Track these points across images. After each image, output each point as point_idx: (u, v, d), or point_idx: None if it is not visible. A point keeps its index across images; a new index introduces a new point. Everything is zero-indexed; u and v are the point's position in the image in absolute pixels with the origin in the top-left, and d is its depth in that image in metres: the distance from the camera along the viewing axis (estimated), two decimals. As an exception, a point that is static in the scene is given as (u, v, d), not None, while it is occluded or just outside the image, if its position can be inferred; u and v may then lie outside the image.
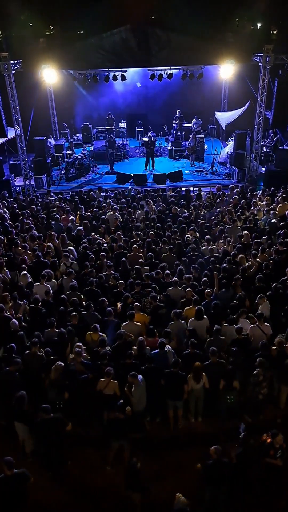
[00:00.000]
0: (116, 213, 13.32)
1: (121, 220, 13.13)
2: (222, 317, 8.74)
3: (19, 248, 11.17)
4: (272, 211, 13.13)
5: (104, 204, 14.23)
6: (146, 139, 19.16)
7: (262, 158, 19.43)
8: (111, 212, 13.36)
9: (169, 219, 12.99)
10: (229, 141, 20.68)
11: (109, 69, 18.17)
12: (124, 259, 10.62)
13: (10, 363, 7.54)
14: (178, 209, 13.63)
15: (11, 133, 18.16)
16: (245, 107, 18.33)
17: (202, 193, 15.33)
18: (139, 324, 8.56)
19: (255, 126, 18.17)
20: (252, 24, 18.66)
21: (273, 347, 8.02)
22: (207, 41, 16.67)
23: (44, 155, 18.61)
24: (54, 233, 11.85)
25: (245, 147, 18.92)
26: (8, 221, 13.00)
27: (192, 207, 13.74)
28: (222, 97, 22.29)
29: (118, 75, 18.38)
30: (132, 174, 18.60)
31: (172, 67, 18.35)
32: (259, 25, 19.11)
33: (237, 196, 14.60)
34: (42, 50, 16.85)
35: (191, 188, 16.54)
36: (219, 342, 8.16)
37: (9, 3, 17.42)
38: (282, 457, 6.44)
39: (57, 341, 8.13)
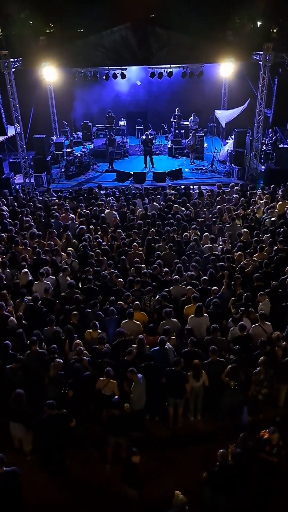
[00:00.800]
0: (113, 211, 13.29)
1: (118, 219, 13.13)
2: (221, 316, 8.72)
3: (19, 246, 11.18)
4: (271, 209, 13.11)
5: (101, 202, 14.12)
6: (144, 137, 19.17)
7: (262, 156, 19.41)
8: (109, 210, 13.35)
9: (170, 216, 13.00)
10: (229, 139, 20.69)
11: (109, 67, 18.17)
12: (123, 257, 10.63)
13: (12, 361, 7.51)
14: (179, 207, 13.61)
15: (11, 131, 18.15)
16: (245, 105, 18.30)
17: (202, 191, 15.34)
18: (138, 323, 8.56)
19: (255, 124, 18.17)
20: (252, 22, 18.74)
21: (276, 348, 7.95)
22: (207, 40, 16.68)
23: (44, 153, 18.61)
24: (54, 231, 11.84)
25: (245, 145, 18.92)
26: (8, 219, 13.01)
27: (192, 205, 13.73)
28: (222, 95, 22.27)
29: (118, 73, 18.35)
30: (132, 172, 18.60)
31: (172, 65, 18.30)
32: (259, 23, 19.18)
33: (237, 195, 14.60)
34: (42, 48, 16.87)
35: (191, 186, 16.53)
36: (218, 341, 8.12)
37: (9, 1, 17.47)
38: (278, 455, 6.42)
39: (53, 339, 8.09)
